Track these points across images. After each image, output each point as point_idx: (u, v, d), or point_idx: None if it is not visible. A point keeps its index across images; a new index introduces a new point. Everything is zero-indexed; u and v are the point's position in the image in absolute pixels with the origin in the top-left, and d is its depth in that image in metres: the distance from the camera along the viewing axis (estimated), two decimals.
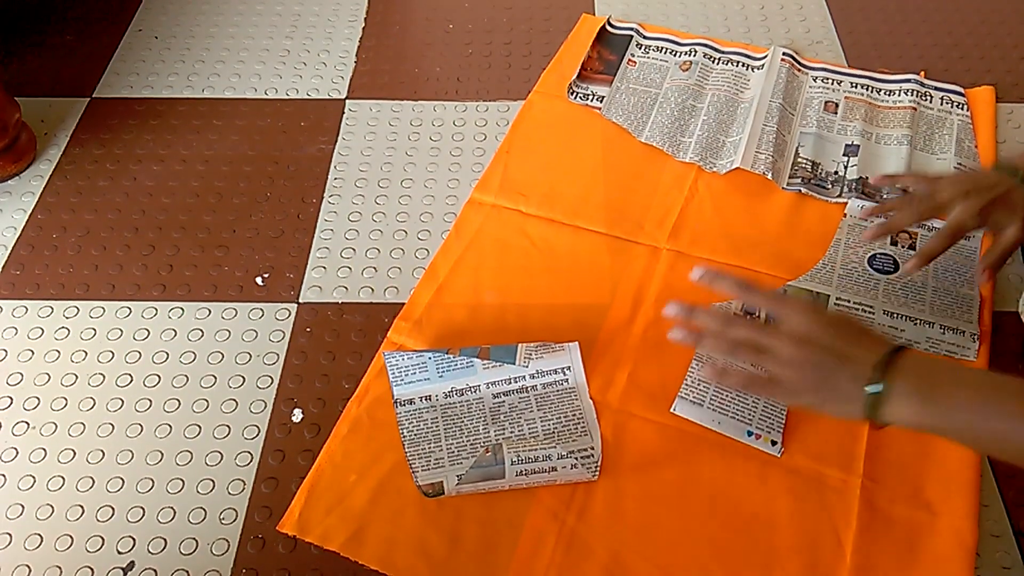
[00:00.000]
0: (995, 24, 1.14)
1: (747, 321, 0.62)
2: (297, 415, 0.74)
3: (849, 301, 0.79)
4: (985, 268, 0.76)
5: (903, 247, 0.84)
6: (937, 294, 0.79)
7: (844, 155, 0.94)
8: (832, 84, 1.03)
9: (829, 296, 0.79)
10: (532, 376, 0.73)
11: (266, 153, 0.98)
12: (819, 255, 0.84)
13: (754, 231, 0.87)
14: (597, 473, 0.68)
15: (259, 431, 0.73)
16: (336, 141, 0.99)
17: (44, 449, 0.72)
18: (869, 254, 0.83)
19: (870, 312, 0.78)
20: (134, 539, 0.67)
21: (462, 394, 0.73)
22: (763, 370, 0.59)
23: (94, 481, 0.70)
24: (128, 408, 0.75)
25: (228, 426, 0.74)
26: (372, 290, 0.84)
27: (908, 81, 1.02)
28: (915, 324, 0.77)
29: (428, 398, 0.73)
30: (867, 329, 0.58)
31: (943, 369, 0.55)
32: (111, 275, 0.85)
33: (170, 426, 0.74)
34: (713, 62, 1.06)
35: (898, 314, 0.77)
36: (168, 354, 0.79)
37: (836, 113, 0.99)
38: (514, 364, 0.73)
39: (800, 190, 0.90)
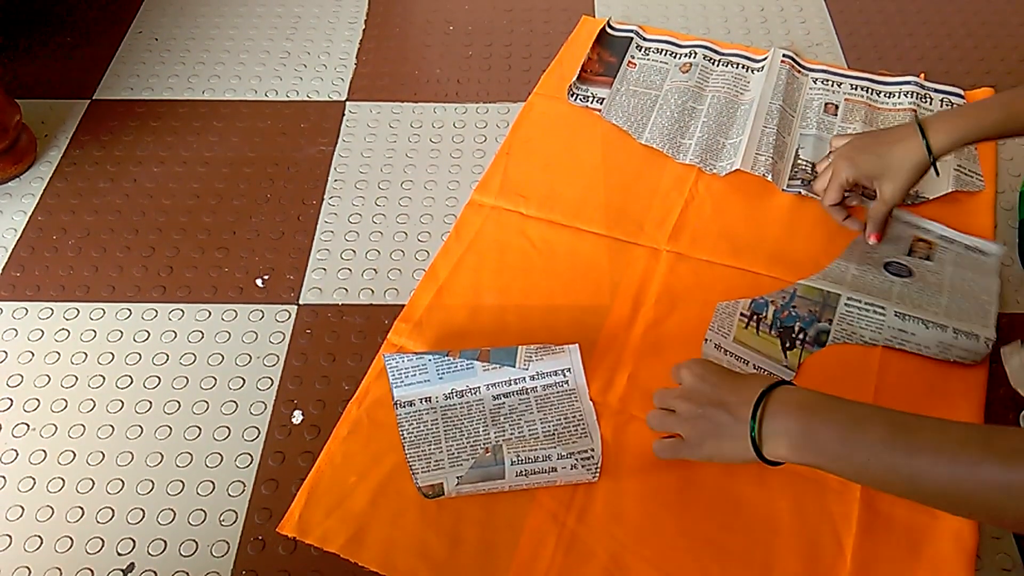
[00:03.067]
0: (995, 26, 1.14)
1: (667, 391, 0.66)
2: (297, 417, 0.74)
3: (860, 301, 0.78)
4: (870, 233, 0.83)
5: (919, 256, 0.83)
6: (954, 298, 0.78)
7: None
8: (832, 86, 1.03)
9: (840, 296, 0.79)
10: (532, 378, 0.73)
11: (266, 155, 0.98)
12: (819, 256, 0.84)
13: (754, 233, 0.87)
14: (597, 474, 0.68)
15: (259, 433, 0.73)
16: (336, 143, 0.99)
17: (44, 451, 0.72)
18: (884, 261, 0.83)
19: (881, 312, 0.77)
20: (134, 541, 0.67)
21: (462, 396, 0.73)
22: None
23: (94, 483, 0.70)
24: (128, 410, 0.75)
25: (228, 428, 0.74)
26: (372, 292, 0.84)
27: (908, 83, 1.02)
28: (927, 327, 0.76)
29: (428, 400, 0.73)
30: (748, 374, 0.61)
31: (815, 404, 0.55)
32: (111, 276, 0.85)
33: (170, 428, 0.74)
34: (713, 64, 1.06)
35: (910, 316, 0.76)
36: (168, 355, 0.79)
37: (836, 115, 0.99)
38: (514, 366, 0.73)
39: (800, 192, 0.90)
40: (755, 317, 0.78)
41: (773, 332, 0.77)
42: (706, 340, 0.76)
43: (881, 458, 0.50)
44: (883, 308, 0.77)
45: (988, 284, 0.80)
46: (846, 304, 0.78)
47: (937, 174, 0.78)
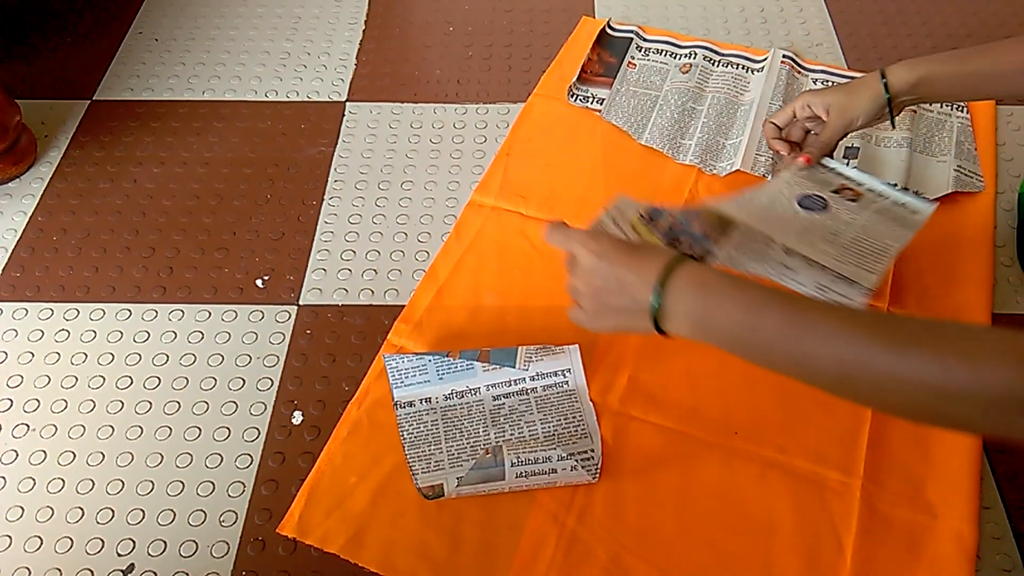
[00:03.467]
0: (995, 26, 1.14)
1: (570, 262, 0.62)
2: (297, 417, 0.74)
3: (752, 229, 0.72)
4: (803, 154, 0.81)
5: (845, 198, 0.79)
6: (856, 240, 0.74)
7: (844, 157, 0.94)
8: (832, 86, 1.03)
9: (734, 221, 0.72)
10: (532, 378, 0.73)
11: (266, 155, 0.98)
12: None
13: None
14: (597, 475, 0.68)
15: (259, 433, 0.73)
16: (336, 143, 0.99)
17: (44, 451, 0.72)
18: (803, 193, 0.78)
19: (768, 242, 0.72)
20: (134, 541, 0.67)
21: (462, 396, 0.73)
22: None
23: (94, 483, 0.70)
24: (128, 410, 0.75)
25: (228, 428, 0.74)
26: (372, 292, 0.84)
27: None
28: (809, 265, 0.71)
29: (428, 400, 0.73)
30: (647, 247, 0.58)
31: (716, 284, 0.53)
32: (111, 277, 0.85)
33: (170, 428, 0.74)
34: (713, 64, 1.06)
35: (796, 252, 0.71)
36: (168, 356, 0.79)
37: None
38: (514, 367, 0.73)
39: None
40: (651, 220, 0.71)
41: (662, 237, 0.71)
42: (602, 218, 0.70)
43: (778, 342, 0.49)
44: (772, 241, 0.72)
45: (901, 234, 0.76)
46: (738, 230, 0.72)
47: (892, 124, 0.78)
